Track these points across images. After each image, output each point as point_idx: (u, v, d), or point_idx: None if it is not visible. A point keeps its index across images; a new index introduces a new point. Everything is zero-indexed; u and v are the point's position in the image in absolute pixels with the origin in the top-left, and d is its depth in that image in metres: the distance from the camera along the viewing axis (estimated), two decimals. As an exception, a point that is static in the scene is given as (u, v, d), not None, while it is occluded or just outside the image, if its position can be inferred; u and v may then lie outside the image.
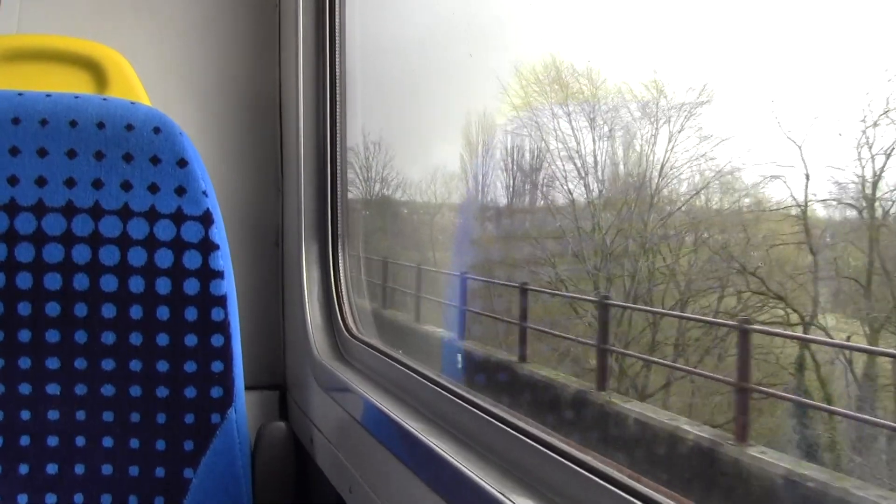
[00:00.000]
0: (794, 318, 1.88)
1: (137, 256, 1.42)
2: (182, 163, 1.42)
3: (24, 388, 1.44)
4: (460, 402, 1.27)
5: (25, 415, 1.44)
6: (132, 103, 1.45)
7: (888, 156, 1.46)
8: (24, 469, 1.45)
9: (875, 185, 1.53)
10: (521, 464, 1.08)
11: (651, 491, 0.87)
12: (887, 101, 1.38)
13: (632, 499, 0.87)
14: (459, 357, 2.85)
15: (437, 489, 1.14)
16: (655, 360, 2.52)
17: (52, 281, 1.42)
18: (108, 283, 1.42)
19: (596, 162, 2.53)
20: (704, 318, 2.27)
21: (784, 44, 1.54)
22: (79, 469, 1.46)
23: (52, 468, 1.45)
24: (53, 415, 1.45)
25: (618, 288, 2.57)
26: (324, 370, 1.76)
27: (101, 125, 1.40)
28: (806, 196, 1.72)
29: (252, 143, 2.13)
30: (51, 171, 1.40)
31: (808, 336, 1.88)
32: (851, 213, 1.64)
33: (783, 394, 2.01)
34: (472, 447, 1.18)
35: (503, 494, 0.99)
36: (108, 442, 1.46)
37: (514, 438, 1.10)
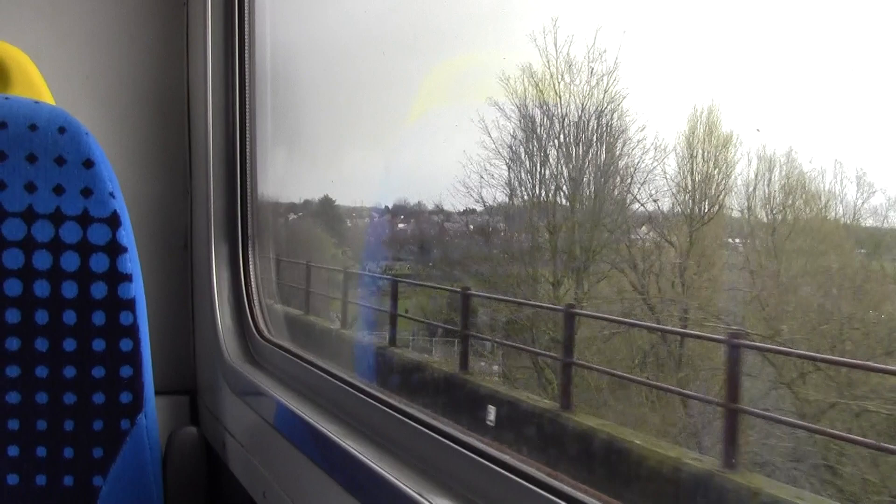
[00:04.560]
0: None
1: (42, 259, 1.39)
2: (88, 163, 1.39)
3: None
4: (375, 403, 1.28)
5: None
6: (35, 102, 1.41)
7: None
8: None
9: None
10: (437, 464, 1.09)
11: (568, 488, 0.88)
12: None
13: (549, 495, 0.89)
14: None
15: (354, 492, 1.14)
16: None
17: None
18: (12, 287, 1.38)
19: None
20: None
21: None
22: None
23: None
24: None
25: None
26: (235, 374, 1.74)
27: (2, 125, 1.36)
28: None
29: (160, 145, 2.09)
30: None
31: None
32: None
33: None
34: (389, 448, 1.18)
35: (420, 495, 1.00)
36: (13, 451, 1.41)
37: (431, 439, 1.11)
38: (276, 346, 1.75)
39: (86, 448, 1.43)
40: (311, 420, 1.33)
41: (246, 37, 1.98)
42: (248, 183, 1.98)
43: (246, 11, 1.97)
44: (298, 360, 1.61)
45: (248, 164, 1.98)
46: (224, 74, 1.99)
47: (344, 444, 1.20)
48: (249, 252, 1.97)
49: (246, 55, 1.98)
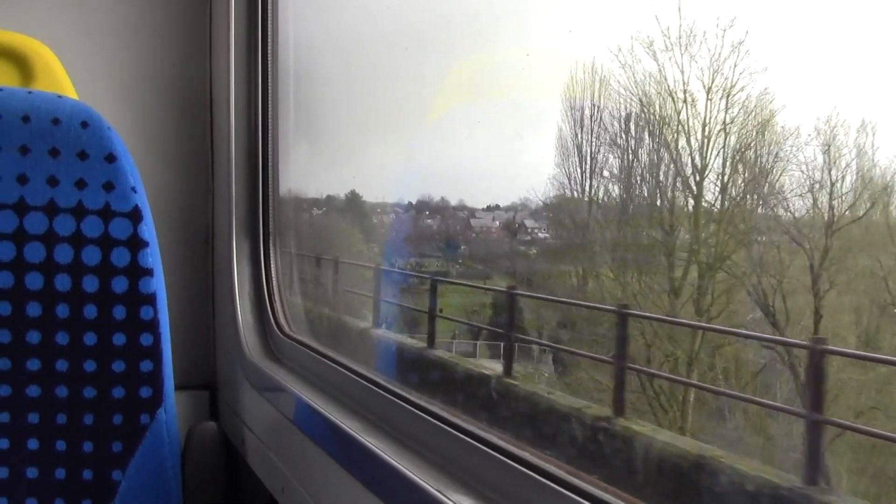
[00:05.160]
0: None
1: (64, 253, 1.39)
2: (110, 158, 1.39)
3: None
4: (395, 399, 1.27)
5: None
6: (59, 97, 1.42)
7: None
8: None
9: None
10: (457, 461, 1.08)
11: (588, 485, 0.87)
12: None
13: (569, 493, 0.88)
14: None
15: (373, 488, 1.14)
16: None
17: None
18: (34, 280, 1.38)
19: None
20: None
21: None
22: (2, 473, 1.41)
23: None
24: None
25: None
26: (255, 369, 1.74)
27: (25, 119, 1.37)
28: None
29: (182, 139, 2.10)
30: None
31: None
32: None
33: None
34: (408, 445, 1.18)
35: (440, 492, 0.99)
36: (33, 444, 1.42)
37: (450, 435, 1.11)
38: (297, 342, 1.75)
39: (105, 442, 1.43)
40: (330, 416, 1.33)
41: (269, 32, 1.98)
42: (270, 179, 1.98)
43: (269, 7, 1.97)
44: (318, 356, 1.60)
45: (269, 160, 1.98)
46: (247, 70, 1.99)
47: (363, 440, 1.20)
48: (271, 248, 1.97)
49: (269, 51, 1.98)
